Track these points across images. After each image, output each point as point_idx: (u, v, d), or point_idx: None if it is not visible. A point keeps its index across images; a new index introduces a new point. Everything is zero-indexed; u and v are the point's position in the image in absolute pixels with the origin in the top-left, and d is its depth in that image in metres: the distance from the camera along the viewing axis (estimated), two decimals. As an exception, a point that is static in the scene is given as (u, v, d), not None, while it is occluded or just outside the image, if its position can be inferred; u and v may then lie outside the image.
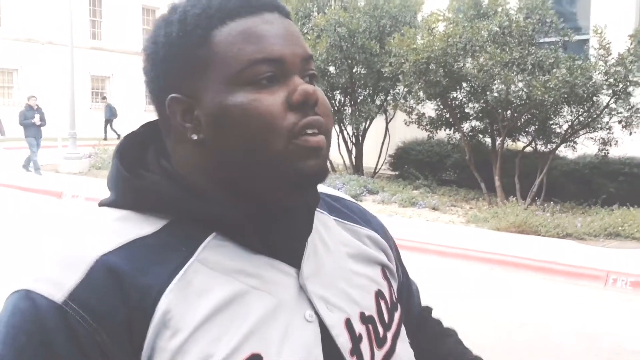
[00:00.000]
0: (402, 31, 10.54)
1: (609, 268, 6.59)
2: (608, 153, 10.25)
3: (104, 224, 0.76)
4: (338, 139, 13.09)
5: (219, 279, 0.72)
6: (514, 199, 9.74)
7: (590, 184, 10.44)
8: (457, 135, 11.14)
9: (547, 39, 10.07)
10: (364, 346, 0.79)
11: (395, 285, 0.93)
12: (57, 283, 0.68)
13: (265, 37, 0.74)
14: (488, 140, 10.95)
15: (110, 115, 25.55)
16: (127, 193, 0.77)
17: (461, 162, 11.42)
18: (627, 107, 9.42)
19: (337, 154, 13.32)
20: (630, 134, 9.60)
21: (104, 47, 29.66)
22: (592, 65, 9.21)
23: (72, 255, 0.71)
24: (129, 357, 0.68)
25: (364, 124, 12.66)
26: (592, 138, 10.10)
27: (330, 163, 13.64)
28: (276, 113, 0.72)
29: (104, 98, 24.72)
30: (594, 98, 9.34)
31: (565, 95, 9.06)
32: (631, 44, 9.17)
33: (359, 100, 12.63)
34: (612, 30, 9.44)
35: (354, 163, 12.99)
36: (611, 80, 9.02)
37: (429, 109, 11.29)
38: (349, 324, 0.79)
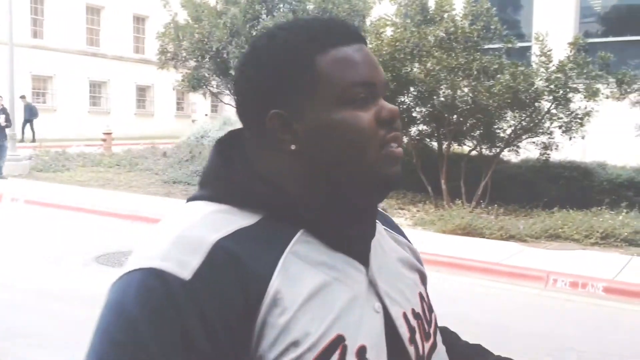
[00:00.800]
0: (350, 35, 10.62)
1: (549, 269, 6.78)
2: (549, 157, 10.55)
3: (208, 214, 0.85)
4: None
5: (309, 270, 0.83)
6: (460, 202, 9.92)
7: (532, 187, 10.71)
8: (405, 139, 11.29)
9: (491, 45, 10.31)
10: (418, 337, 0.92)
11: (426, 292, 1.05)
12: (182, 263, 0.77)
13: (360, 64, 0.88)
14: (435, 144, 11.12)
15: (30, 115, 24.75)
16: (226, 190, 0.88)
17: (408, 165, 11.57)
18: (567, 113, 9.72)
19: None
20: (570, 138, 9.91)
21: (46, 45, 28.88)
22: (534, 72, 9.48)
23: (193, 239, 0.80)
24: (245, 330, 0.77)
25: (312, 127, 12.71)
26: (534, 142, 10.38)
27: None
28: (371, 128, 0.86)
29: (23, 97, 23.74)
30: (536, 103, 9.61)
31: (509, 101, 9.29)
32: (571, 51, 9.48)
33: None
34: (553, 38, 9.74)
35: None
36: (552, 86, 9.30)
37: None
38: (406, 317, 0.91)
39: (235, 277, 0.78)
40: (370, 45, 10.01)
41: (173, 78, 15.09)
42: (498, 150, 10.36)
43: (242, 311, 0.77)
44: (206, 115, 34.32)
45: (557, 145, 10.23)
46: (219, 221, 0.83)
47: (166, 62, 14.06)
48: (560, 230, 8.59)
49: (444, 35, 9.59)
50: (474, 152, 10.67)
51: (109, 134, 20.83)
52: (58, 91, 29.60)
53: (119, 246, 8.07)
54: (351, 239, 0.89)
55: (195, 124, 25.45)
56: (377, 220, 0.98)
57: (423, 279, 1.05)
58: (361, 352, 0.83)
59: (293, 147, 0.87)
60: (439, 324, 1.06)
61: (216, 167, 0.91)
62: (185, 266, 0.77)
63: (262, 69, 0.88)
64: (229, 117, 21.27)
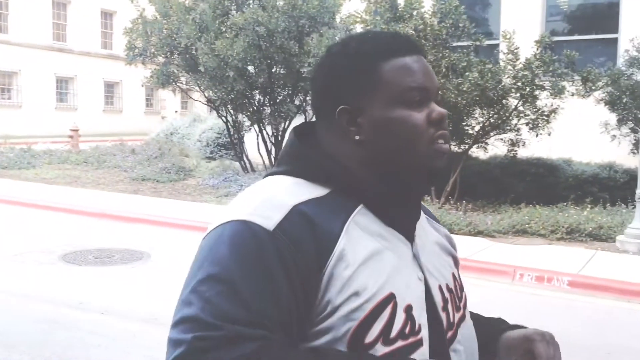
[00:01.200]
0: (320, 32, 10.62)
1: (516, 264, 6.88)
2: (517, 154, 10.69)
3: (288, 185, 1.02)
4: (258, 138, 13.05)
5: (367, 237, 1.00)
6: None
7: (500, 183, 10.85)
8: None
9: (460, 43, 10.40)
10: (450, 307, 1.08)
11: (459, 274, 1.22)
12: (267, 217, 0.94)
13: (417, 72, 1.04)
14: (404, 140, 11.15)
15: None
16: (302, 166, 1.05)
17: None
18: (534, 110, 9.86)
19: (257, 154, 13.27)
20: (537, 135, 10.05)
21: (11, 40, 28.32)
22: (502, 69, 9.58)
23: (276, 200, 0.97)
24: (314, 278, 0.93)
25: (283, 123, 12.67)
26: (502, 139, 10.50)
27: (250, 163, 13.60)
28: (422, 126, 1.02)
29: None
30: (504, 101, 9.73)
31: (477, 98, 9.39)
32: (537, 49, 9.61)
33: (278, 100, 12.63)
34: (520, 36, 9.87)
35: (273, 163, 12.98)
36: (519, 84, 9.42)
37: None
38: (440, 289, 1.07)
39: (309, 234, 0.94)
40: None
41: (142, 74, 14.91)
42: (467, 147, 10.46)
43: (314, 262, 0.93)
44: (176, 112, 34.07)
45: (524, 142, 10.37)
46: (297, 190, 1.01)
47: (134, 58, 13.88)
48: (527, 225, 8.72)
49: (413, 32, 9.65)
50: (442, 149, 10.74)
51: (76, 130, 20.53)
52: (24, 87, 29.07)
53: (86, 244, 7.98)
54: (401, 217, 1.06)
55: (165, 121, 25.24)
56: (421, 212, 1.15)
57: (456, 263, 1.22)
58: (408, 309, 0.99)
59: (357, 137, 1.04)
60: None
61: (294, 148, 1.08)
62: (269, 219, 0.94)
63: (335, 71, 1.06)
64: (199, 114, 21.13)
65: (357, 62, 1.05)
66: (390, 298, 0.97)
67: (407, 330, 0.98)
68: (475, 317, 1.26)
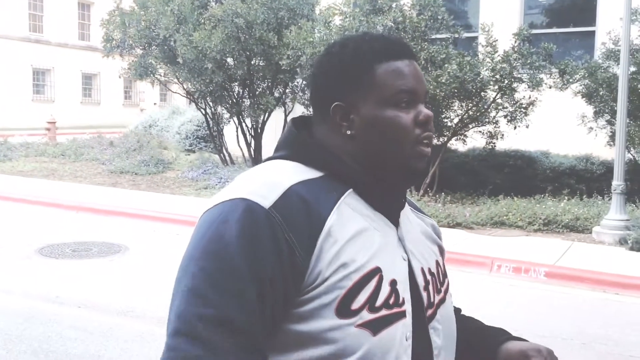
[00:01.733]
0: (299, 24, 10.59)
1: (494, 255, 6.94)
2: (495, 146, 10.76)
3: (285, 167, 1.11)
4: (237, 131, 12.99)
5: (356, 216, 1.09)
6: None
7: (478, 175, 10.92)
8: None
9: (438, 36, 10.43)
10: (431, 288, 1.16)
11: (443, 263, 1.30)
12: (264, 196, 1.02)
13: (407, 76, 1.12)
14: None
15: None
16: (299, 151, 1.14)
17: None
18: (512, 103, 9.92)
19: (236, 147, 13.22)
20: (515, 127, 10.13)
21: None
22: (480, 62, 9.63)
23: (273, 181, 1.06)
24: (306, 253, 1.01)
25: (262, 116, 12.62)
26: (480, 132, 10.56)
27: (229, 155, 13.54)
28: (409, 127, 1.10)
29: None
30: (482, 93, 9.78)
31: (456, 90, 9.42)
32: (515, 42, 9.66)
33: (257, 93, 12.57)
34: (499, 29, 9.92)
35: (252, 155, 12.94)
36: (497, 76, 9.48)
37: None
38: (423, 271, 1.16)
39: (303, 212, 1.03)
40: (318, 34, 10.07)
41: (119, 66, 14.76)
42: (445, 139, 10.51)
43: (306, 238, 1.01)
44: (155, 104, 33.80)
45: (503, 135, 10.44)
46: (293, 172, 1.10)
47: (112, 50, 13.73)
48: (504, 217, 8.79)
49: (392, 24, 9.65)
50: (422, 141, 10.77)
51: (53, 123, 20.29)
52: (-1, 79, 28.65)
53: (63, 237, 7.90)
54: (386, 204, 1.14)
55: (144, 113, 25.02)
56: (406, 202, 1.24)
57: (442, 252, 1.30)
58: (393, 283, 1.07)
59: (349, 132, 1.12)
60: None
61: (292, 135, 1.17)
62: (266, 198, 1.02)
63: (332, 70, 1.14)
64: (178, 106, 20.99)
65: (353, 63, 1.12)
66: (377, 271, 1.06)
67: (391, 301, 1.06)
68: (477, 326, 1.35)
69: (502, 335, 1.31)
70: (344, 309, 1.01)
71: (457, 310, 1.37)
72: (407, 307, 1.08)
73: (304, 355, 1.01)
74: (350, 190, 1.11)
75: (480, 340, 1.30)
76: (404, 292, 1.09)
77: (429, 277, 1.17)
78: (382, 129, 1.10)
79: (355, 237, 1.06)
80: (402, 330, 1.06)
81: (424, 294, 1.14)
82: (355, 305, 1.01)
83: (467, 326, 1.33)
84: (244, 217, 1.00)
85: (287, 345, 1.01)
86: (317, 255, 1.02)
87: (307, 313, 1.01)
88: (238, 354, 0.96)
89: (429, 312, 1.14)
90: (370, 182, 1.13)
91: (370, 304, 1.03)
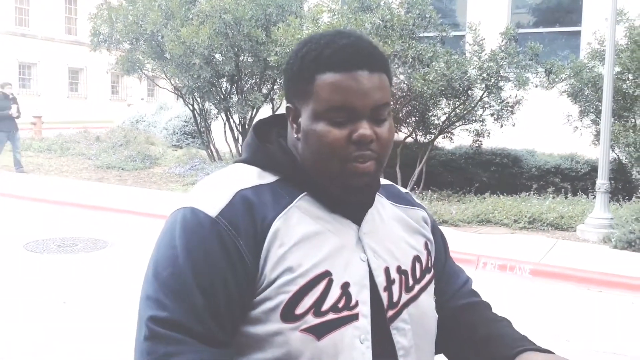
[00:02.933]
0: (287, 21, 10.58)
1: (479, 252, 6.99)
2: (481, 144, 10.82)
3: (240, 172, 1.13)
4: (225, 127, 12.97)
5: (308, 220, 1.08)
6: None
7: (465, 173, 10.99)
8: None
9: (426, 34, 10.45)
10: (395, 288, 1.13)
11: (433, 255, 1.27)
12: (212, 205, 1.05)
13: (348, 91, 1.04)
14: (371, 130, 11.18)
15: None
16: (256, 156, 1.15)
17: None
18: (499, 101, 9.98)
19: (224, 143, 13.19)
20: (501, 126, 10.19)
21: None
22: (467, 60, 9.67)
23: (223, 189, 1.08)
24: (254, 257, 1.02)
25: (250, 112, 12.61)
26: (467, 130, 10.62)
27: (217, 151, 13.51)
28: (338, 144, 1.05)
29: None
30: (469, 91, 9.83)
31: (443, 88, 9.46)
32: (502, 40, 9.72)
33: (245, 89, 12.56)
34: (486, 28, 9.97)
35: (240, 151, 12.92)
36: (484, 75, 9.53)
37: (315, 99, 11.40)
38: (387, 271, 1.13)
39: (248, 217, 1.04)
40: (306, 32, 10.06)
41: (107, 61, 14.68)
42: (432, 137, 10.55)
43: (253, 243, 1.02)
44: (142, 99, 33.62)
45: (489, 133, 10.50)
46: (248, 177, 1.11)
47: (99, 45, 13.65)
48: (490, 215, 8.85)
49: (381, 22, 9.67)
50: (409, 139, 10.84)
51: (39, 117, 20.12)
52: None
53: (49, 233, 7.86)
54: (346, 206, 1.12)
55: (131, 108, 24.90)
56: (381, 196, 1.22)
57: (428, 244, 1.26)
58: (345, 286, 1.06)
59: (295, 135, 1.12)
60: None
61: (249, 139, 1.18)
62: (213, 207, 1.04)
63: (287, 70, 1.13)
64: (165, 102, 20.89)
65: (300, 69, 1.09)
66: (325, 275, 1.05)
67: (340, 304, 1.05)
68: (492, 333, 1.23)
69: (521, 345, 1.17)
70: (289, 314, 1.01)
71: (484, 306, 1.32)
72: (363, 309, 1.07)
73: (259, 357, 1.02)
74: (304, 193, 1.11)
75: (491, 348, 1.19)
76: (359, 294, 1.07)
77: (395, 275, 1.14)
78: (313, 142, 1.07)
79: (303, 241, 1.06)
80: (354, 333, 1.05)
81: (384, 295, 1.11)
82: (300, 310, 1.02)
83: (480, 328, 1.25)
84: (190, 227, 1.03)
85: (245, 347, 1.03)
86: (264, 259, 1.03)
87: (257, 316, 1.02)
88: (200, 347, 0.99)
89: (391, 312, 1.12)
90: (322, 186, 1.11)
91: (315, 309, 1.03)
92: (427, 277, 1.21)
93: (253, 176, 1.12)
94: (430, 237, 1.28)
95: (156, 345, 0.99)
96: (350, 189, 1.10)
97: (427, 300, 1.20)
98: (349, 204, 1.12)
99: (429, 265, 1.23)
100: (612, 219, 7.98)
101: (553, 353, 1.14)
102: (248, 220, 1.04)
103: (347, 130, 1.05)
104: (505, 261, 6.82)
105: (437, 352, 1.28)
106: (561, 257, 7.05)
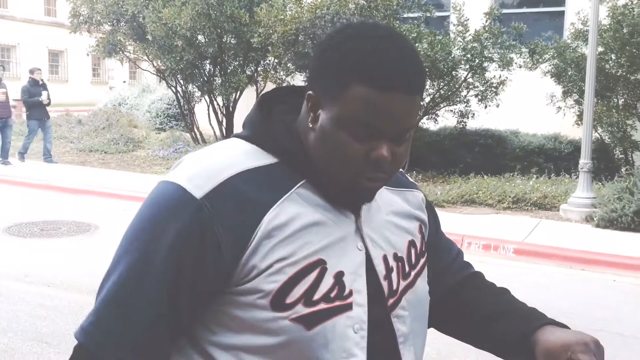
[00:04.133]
0: (270, 1, 10.48)
1: (464, 232, 7.03)
2: (466, 125, 10.85)
3: (238, 150, 1.08)
4: (208, 109, 12.88)
5: (308, 209, 1.05)
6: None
7: (449, 154, 11.02)
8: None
9: (410, 14, 10.42)
10: (394, 276, 1.12)
11: (426, 238, 1.24)
12: (199, 186, 1.00)
13: (378, 112, 0.98)
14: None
15: None
16: (259, 134, 1.10)
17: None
18: (483, 82, 9.99)
19: (208, 125, 13.11)
20: (486, 107, 10.21)
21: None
22: (452, 41, 9.66)
23: (214, 169, 1.03)
24: (235, 248, 0.99)
25: (234, 94, 12.53)
26: (451, 111, 10.63)
27: (201, 134, 13.43)
28: (355, 159, 1.01)
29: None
30: (453, 72, 9.82)
31: (427, 70, 9.44)
32: (486, 21, 9.71)
33: (229, 71, 12.46)
34: (470, 8, 9.95)
35: (224, 134, 12.85)
36: (468, 55, 9.52)
37: (299, 80, 11.37)
38: (385, 259, 1.11)
39: (236, 205, 1.00)
40: (289, 12, 9.98)
41: (87, 43, 14.49)
42: (417, 118, 10.54)
43: (236, 230, 0.99)
44: (124, 82, 33.27)
45: (474, 114, 10.52)
46: (244, 157, 1.06)
47: (79, 26, 13.46)
48: (475, 195, 8.89)
49: (364, 2, 9.61)
50: (393, 120, 10.81)
51: (20, 100, 19.85)
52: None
53: (31, 216, 7.79)
54: (344, 197, 1.08)
55: (113, 91, 24.65)
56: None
57: (423, 226, 1.24)
58: (338, 275, 1.04)
59: (310, 125, 1.05)
60: None
61: (253, 115, 1.13)
62: (200, 188, 1.00)
63: (320, 59, 1.04)
64: (148, 84, 20.68)
65: (336, 66, 1.00)
66: (318, 263, 1.03)
67: (333, 294, 1.03)
68: (505, 309, 1.24)
69: (537, 319, 1.18)
70: (278, 303, 1.00)
71: (480, 278, 1.33)
72: (358, 298, 1.05)
73: (250, 341, 1.02)
74: (304, 181, 1.07)
75: (505, 324, 1.19)
76: (353, 283, 1.05)
77: (393, 263, 1.12)
78: (329, 147, 1.02)
79: (299, 230, 1.03)
80: (346, 323, 1.03)
81: (384, 283, 1.10)
82: (290, 299, 1.00)
83: (486, 303, 1.25)
84: (174, 207, 1.01)
85: (235, 329, 1.03)
86: (253, 250, 0.99)
87: (246, 303, 1.01)
88: (127, 349, 1.01)
89: (391, 300, 1.10)
90: (325, 177, 1.07)
91: (306, 298, 1.01)
92: (422, 261, 1.20)
93: (251, 156, 1.07)
94: (426, 220, 1.25)
95: (99, 324, 1.04)
96: (356, 202, 1.09)
97: (422, 286, 1.19)
98: (347, 196, 1.10)
99: (423, 249, 1.21)
100: (594, 198, 8.05)
101: (567, 326, 1.15)
102: (235, 208, 1.00)
103: (367, 146, 1.00)
104: (489, 241, 6.87)
105: (428, 327, 1.28)
106: (544, 236, 7.11)
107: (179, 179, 1.03)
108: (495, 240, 6.88)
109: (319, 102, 1.03)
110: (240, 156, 1.06)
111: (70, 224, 7.53)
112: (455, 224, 7.50)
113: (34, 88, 11.96)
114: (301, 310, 1.00)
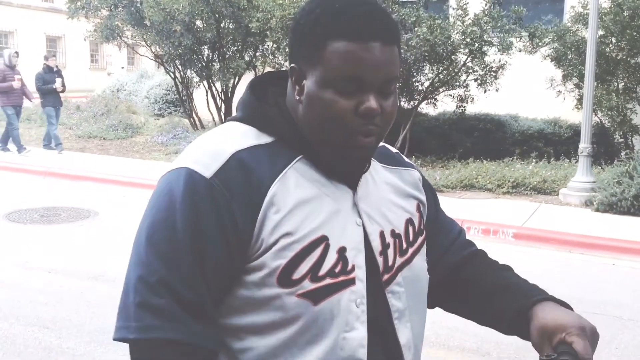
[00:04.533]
0: (269, -15, 10.41)
1: (463, 217, 7.03)
2: (465, 110, 10.82)
3: (236, 132, 1.10)
4: (207, 95, 12.84)
5: (304, 184, 1.07)
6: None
7: (449, 139, 11.00)
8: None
9: (409, -2, 10.36)
10: (390, 252, 1.13)
11: (425, 217, 1.26)
12: (206, 165, 1.02)
13: (359, 62, 1.01)
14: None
15: None
16: (253, 115, 1.12)
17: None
18: (482, 66, 9.95)
19: (206, 111, 13.08)
20: (485, 91, 10.18)
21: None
22: (451, 25, 9.61)
23: (218, 149, 1.05)
24: (248, 223, 1.01)
25: (233, 80, 12.48)
26: (451, 95, 10.60)
27: (199, 120, 13.40)
28: (346, 115, 1.03)
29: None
30: (453, 57, 9.78)
31: (426, 54, 9.41)
32: (486, 5, 9.65)
33: (227, 56, 12.41)
34: (470, -8, 9.88)
35: (223, 120, 12.81)
36: (468, 39, 9.48)
37: (298, 65, 11.30)
38: (382, 235, 1.13)
39: (244, 181, 1.02)
40: (280, 1, 9.91)
41: (85, 28, 14.41)
42: (416, 103, 10.53)
43: (248, 206, 1.01)
44: (122, 68, 33.15)
45: (473, 98, 10.49)
46: (242, 137, 1.08)
47: (76, 12, 13.38)
48: (474, 180, 8.89)
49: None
50: (393, 105, 10.79)
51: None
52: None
53: (31, 203, 7.79)
54: (341, 170, 1.10)
55: (111, 77, 24.57)
56: (373, 160, 1.19)
57: (421, 205, 1.25)
58: (341, 251, 1.06)
59: (297, 97, 1.08)
60: None
61: (245, 97, 1.15)
62: (208, 167, 1.02)
63: (295, 31, 1.09)
64: (146, 70, 20.62)
65: (311, 32, 1.04)
66: (322, 239, 1.05)
67: (337, 269, 1.05)
68: (511, 282, 1.24)
69: (537, 294, 1.17)
70: (285, 279, 1.01)
71: (483, 255, 1.35)
72: (359, 273, 1.07)
73: (254, 319, 1.02)
74: (301, 156, 1.09)
75: (506, 298, 1.19)
76: (355, 258, 1.07)
77: (389, 239, 1.14)
78: (318, 110, 1.04)
79: (300, 205, 1.04)
80: (350, 297, 1.05)
81: (380, 259, 1.11)
82: (297, 275, 1.01)
83: (488, 279, 1.26)
84: (186, 188, 1.00)
85: (240, 309, 1.03)
86: (261, 224, 1.01)
87: (254, 280, 1.01)
88: (186, 321, 0.98)
89: (386, 276, 1.12)
90: (320, 151, 1.09)
91: (312, 274, 1.02)
92: (420, 239, 1.21)
93: (249, 136, 1.09)
94: (423, 198, 1.26)
95: (144, 312, 0.98)
96: (353, 160, 1.09)
97: (420, 263, 1.20)
98: (343, 169, 1.11)
99: (422, 227, 1.23)
100: (594, 182, 8.05)
101: (568, 305, 1.15)
102: (244, 183, 1.02)
103: (354, 101, 1.02)
104: (488, 225, 6.88)
105: (432, 307, 1.29)
106: (544, 220, 7.12)
107: (184, 164, 1.04)
108: (494, 224, 6.89)
109: (302, 73, 1.06)
110: (239, 136, 1.08)
111: (70, 210, 7.53)
112: (454, 208, 7.50)
113: (49, 75, 11.81)
114: (308, 285, 1.02)
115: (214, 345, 1.02)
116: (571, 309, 1.14)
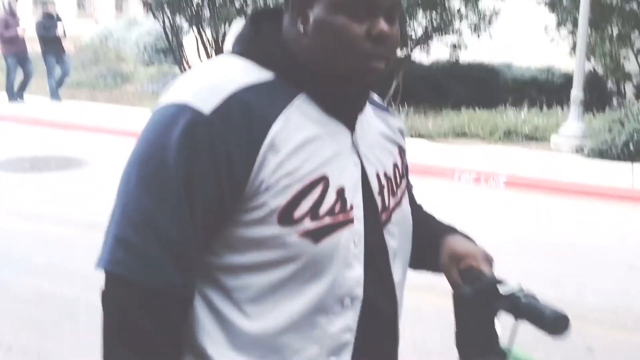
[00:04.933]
0: None
1: (455, 165, 7.05)
2: (459, 58, 10.72)
3: (235, 66, 1.07)
4: (197, 43, 12.65)
5: (306, 122, 1.05)
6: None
7: (442, 87, 10.94)
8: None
9: (403, -58, 10.14)
10: (385, 192, 1.15)
11: (405, 163, 1.28)
12: (205, 100, 0.99)
13: None
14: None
15: None
16: (253, 49, 1.09)
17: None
18: (476, 12, 9.82)
19: (197, 59, 12.90)
20: (479, 37, 10.07)
21: None
22: (445, -30, 9.44)
23: (217, 84, 1.02)
24: (246, 164, 0.99)
25: (223, 27, 12.28)
26: (444, 42, 10.48)
27: (190, 68, 13.23)
28: (358, 39, 1.02)
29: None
30: (446, 3, 9.64)
31: (420, 0, 9.26)
32: (481, -51, 9.47)
33: (217, 3, 12.17)
34: None
35: (213, 68, 12.66)
36: (462, -15, 9.33)
37: (289, 11, 11.14)
38: (377, 176, 1.14)
39: (244, 120, 0.99)
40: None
41: (71, -27, 14.07)
42: (409, 50, 10.41)
43: (248, 145, 0.99)
44: (110, 15, 32.57)
45: (467, 45, 10.39)
46: (241, 73, 1.05)
47: (62, -44, 13.06)
48: (466, 128, 8.88)
49: None
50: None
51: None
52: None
53: (21, 152, 7.74)
54: (342, 107, 1.10)
55: (99, 25, 24.13)
56: (365, 104, 1.18)
57: (402, 152, 1.27)
58: (340, 191, 1.06)
59: (301, 29, 1.05)
60: None
61: (245, 30, 1.12)
62: (207, 103, 0.99)
63: None
64: (135, 17, 20.23)
65: None
66: (322, 179, 1.04)
67: (336, 209, 1.05)
68: (426, 217, 1.37)
69: (449, 229, 1.33)
70: (286, 218, 1.01)
71: (425, 215, 1.39)
72: (357, 213, 1.08)
73: (254, 258, 1.02)
74: (302, 94, 1.07)
75: (427, 234, 1.30)
76: (353, 198, 1.08)
77: (384, 181, 1.16)
78: (329, 36, 1.03)
79: (302, 145, 1.03)
80: (349, 237, 1.06)
81: (378, 199, 1.13)
82: (298, 214, 1.01)
83: (420, 223, 1.33)
84: (183, 125, 0.98)
85: (238, 248, 1.03)
86: (260, 164, 1.00)
87: (253, 220, 1.01)
88: (167, 267, 0.97)
89: (384, 216, 1.14)
90: (323, 85, 1.08)
91: (312, 213, 1.02)
92: (403, 183, 1.24)
93: (248, 72, 1.06)
94: (404, 146, 1.29)
95: (119, 245, 0.98)
96: (365, 85, 1.10)
97: (407, 205, 1.24)
98: (345, 105, 1.11)
99: (403, 172, 1.25)
100: (585, 129, 8.06)
101: (472, 239, 1.29)
102: (243, 123, 0.99)
103: (366, 25, 1.02)
104: (480, 173, 6.90)
105: None
106: (535, 168, 7.15)
107: (182, 98, 1.01)
108: (486, 172, 6.91)
109: (307, 3, 1.05)
110: (238, 71, 1.06)
111: (60, 159, 7.49)
112: (446, 156, 7.52)
113: (49, 22, 11.42)
114: (308, 224, 1.02)
115: (186, 293, 1.01)
116: (475, 243, 1.28)
